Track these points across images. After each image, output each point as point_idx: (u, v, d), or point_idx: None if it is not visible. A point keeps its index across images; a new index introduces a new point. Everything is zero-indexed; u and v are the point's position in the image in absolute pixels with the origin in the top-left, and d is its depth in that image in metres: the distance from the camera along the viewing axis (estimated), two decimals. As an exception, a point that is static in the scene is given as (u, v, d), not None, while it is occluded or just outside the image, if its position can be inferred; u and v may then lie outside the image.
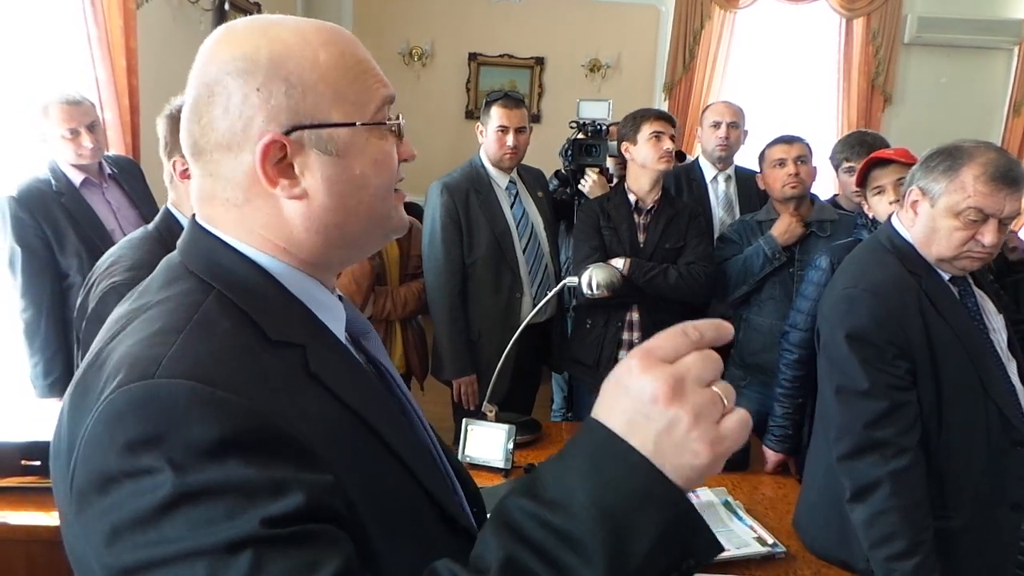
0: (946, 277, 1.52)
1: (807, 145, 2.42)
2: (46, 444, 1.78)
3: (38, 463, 1.70)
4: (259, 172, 0.64)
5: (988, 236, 1.42)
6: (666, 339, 0.53)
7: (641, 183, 2.42)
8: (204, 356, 0.57)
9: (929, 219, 1.48)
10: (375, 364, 0.79)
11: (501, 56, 5.38)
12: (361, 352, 0.78)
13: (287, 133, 0.64)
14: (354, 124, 0.67)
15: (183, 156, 1.24)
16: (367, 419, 0.65)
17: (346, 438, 0.63)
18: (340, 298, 0.77)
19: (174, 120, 1.26)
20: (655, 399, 0.50)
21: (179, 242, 0.71)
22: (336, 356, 0.69)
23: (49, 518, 1.61)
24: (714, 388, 0.52)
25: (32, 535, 1.60)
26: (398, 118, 0.71)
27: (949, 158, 1.45)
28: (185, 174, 1.27)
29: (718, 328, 0.54)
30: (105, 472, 0.53)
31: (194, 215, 0.71)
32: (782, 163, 2.35)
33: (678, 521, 0.50)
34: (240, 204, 0.67)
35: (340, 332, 0.73)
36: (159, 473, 0.51)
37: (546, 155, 3.12)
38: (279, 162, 0.65)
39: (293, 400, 0.60)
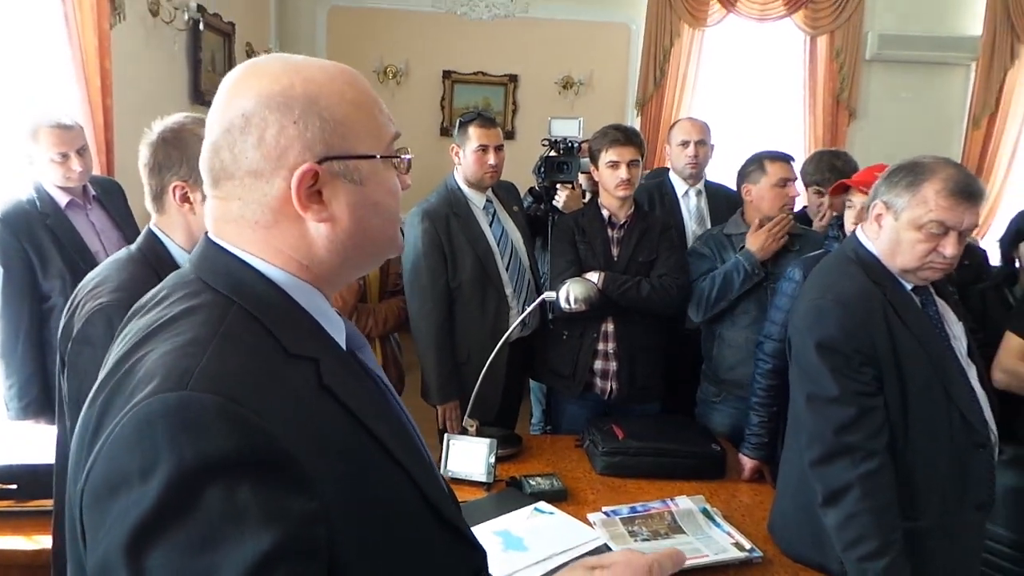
0: (909, 287, 1.58)
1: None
2: (21, 467, 1.76)
3: (14, 487, 1.68)
4: (294, 197, 0.71)
5: (949, 248, 1.48)
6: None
7: (611, 200, 2.48)
8: (231, 371, 0.62)
9: (893, 231, 1.54)
10: (371, 376, 0.82)
11: (475, 74, 5.43)
12: (358, 364, 0.82)
13: (319, 163, 0.71)
14: (375, 156, 0.74)
15: (184, 180, 1.28)
16: (373, 430, 0.69)
17: (353, 447, 0.67)
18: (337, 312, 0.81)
19: (168, 143, 1.27)
20: None
21: (192, 257, 0.76)
22: (344, 369, 0.74)
23: (27, 542, 1.59)
24: None
25: (9, 560, 1.58)
26: (404, 152, 0.79)
27: (911, 174, 1.52)
28: (185, 198, 1.28)
29: (675, 559, 0.68)
30: (125, 471, 0.56)
31: (206, 233, 0.75)
32: (785, 183, 2.38)
33: None
34: (268, 225, 0.72)
35: (342, 344, 0.78)
36: (169, 478, 0.55)
37: (521, 172, 3.16)
38: (309, 188, 0.71)
39: (308, 414, 0.64)
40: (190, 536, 0.54)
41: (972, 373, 1.59)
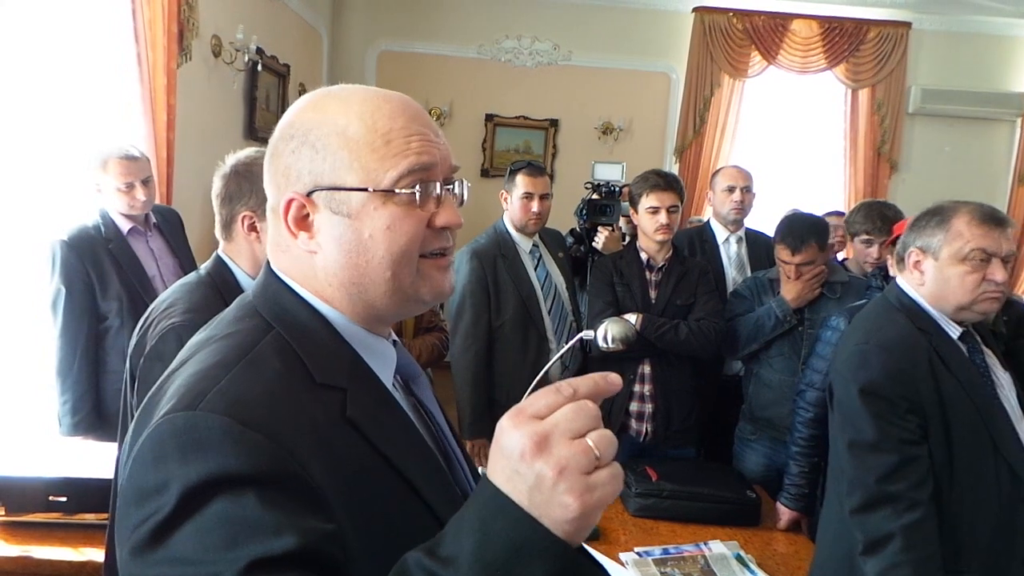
0: (955, 335, 1.57)
1: (818, 245, 2.34)
2: (73, 480, 1.82)
3: (64, 499, 1.74)
4: (282, 224, 0.73)
5: (998, 273, 1.50)
6: (539, 396, 0.54)
7: (650, 243, 2.52)
8: (246, 395, 0.63)
9: (937, 272, 1.55)
10: (423, 407, 0.82)
11: (517, 118, 5.56)
12: (411, 396, 0.82)
13: (309, 193, 0.72)
14: (366, 190, 0.71)
15: (252, 211, 1.36)
16: (397, 465, 0.69)
17: (372, 482, 0.67)
18: (395, 343, 0.81)
19: (239, 175, 1.36)
20: (522, 455, 0.51)
21: (254, 283, 0.79)
22: (377, 401, 0.73)
23: (74, 554, 1.64)
24: (587, 440, 0.52)
25: (56, 570, 1.62)
26: (416, 186, 0.72)
27: (937, 215, 1.57)
28: (253, 227, 1.36)
29: (597, 382, 0.55)
30: (142, 488, 0.59)
31: (268, 260, 0.79)
32: (786, 264, 2.37)
33: (563, 572, 0.50)
34: (285, 250, 0.76)
35: (388, 377, 0.78)
36: (180, 493, 0.57)
37: (558, 213, 3.21)
38: (305, 218, 0.73)
39: (323, 444, 0.64)
40: (201, 540, 0.55)
41: (1022, 425, 1.56)
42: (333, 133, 0.71)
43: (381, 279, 0.72)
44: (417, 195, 0.71)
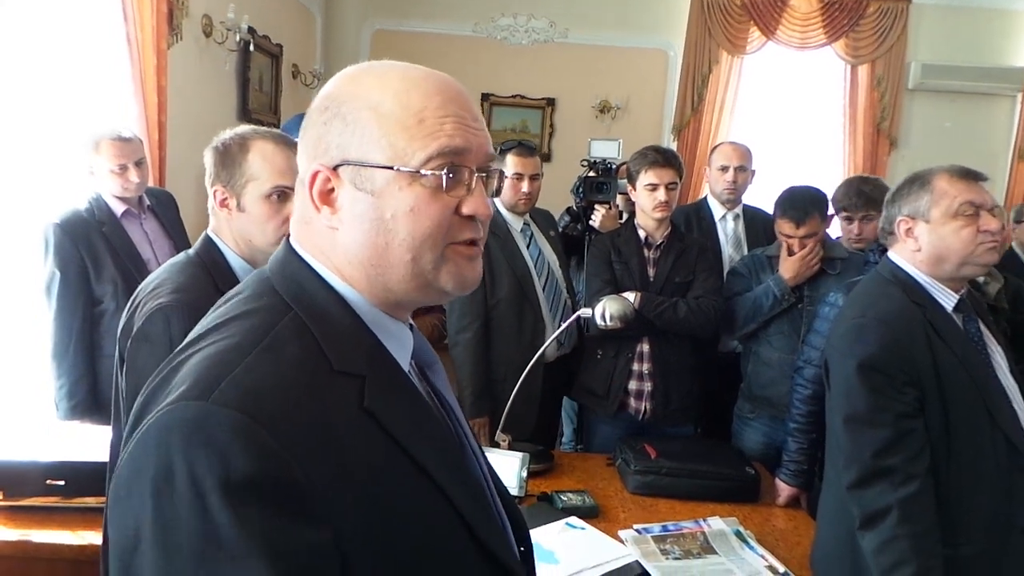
0: (949, 307, 1.57)
1: (819, 216, 2.34)
2: (71, 464, 1.82)
3: (62, 483, 1.74)
4: (307, 195, 0.72)
5: (991, 223, 1.52)
6: None
7: (648, 220, 2.50)
8: (261, 385, 0.61)
9: (932, 234, 1.55)
10: (437, 395, 0.81)
11: (513, 97, 5.51)
12: (425, 382, 0.81)
13: (336, 167, 0.70)
14: (392, 168, 0.69)
15: (223, 186, 1.35)
16: (415, 455, 0.67)
17: (386, 473, 0.65)
18: (411, 327, 0.79)
19: (219, 153, 1.36)
20: None
21: (271, 259, 0.77)
22: (396, 387, 0.72)
23: (73, 537, 1.64)
24: None
25: (55, 554, 1.63)
26: (445, 170, 0.69)
27: (916, 181, 1.60)
28: (224, 203, 1.36)
29: None
30: (142, 475, 0.57)
31: (288, 236, 0.77)
32: (789, 238, 2.36)
33: None
34: (307, 221, 0.74)
35: (405, 362, 0.76)
36: (182, 491, 0.55)
37: (557, 193, 3.20)
38: (329, 192, 0.71)
39: (335, 439, 0.62)
40: (192, 551, 0.54)
41: (1015, 393, 1.56)
42: (366, 107, 0.69)
43: (400, 262, 0.70)
44: (444, 179, 0.69)
